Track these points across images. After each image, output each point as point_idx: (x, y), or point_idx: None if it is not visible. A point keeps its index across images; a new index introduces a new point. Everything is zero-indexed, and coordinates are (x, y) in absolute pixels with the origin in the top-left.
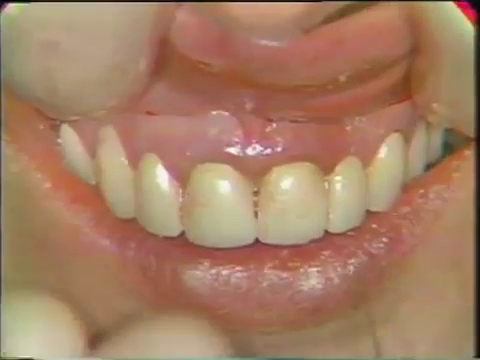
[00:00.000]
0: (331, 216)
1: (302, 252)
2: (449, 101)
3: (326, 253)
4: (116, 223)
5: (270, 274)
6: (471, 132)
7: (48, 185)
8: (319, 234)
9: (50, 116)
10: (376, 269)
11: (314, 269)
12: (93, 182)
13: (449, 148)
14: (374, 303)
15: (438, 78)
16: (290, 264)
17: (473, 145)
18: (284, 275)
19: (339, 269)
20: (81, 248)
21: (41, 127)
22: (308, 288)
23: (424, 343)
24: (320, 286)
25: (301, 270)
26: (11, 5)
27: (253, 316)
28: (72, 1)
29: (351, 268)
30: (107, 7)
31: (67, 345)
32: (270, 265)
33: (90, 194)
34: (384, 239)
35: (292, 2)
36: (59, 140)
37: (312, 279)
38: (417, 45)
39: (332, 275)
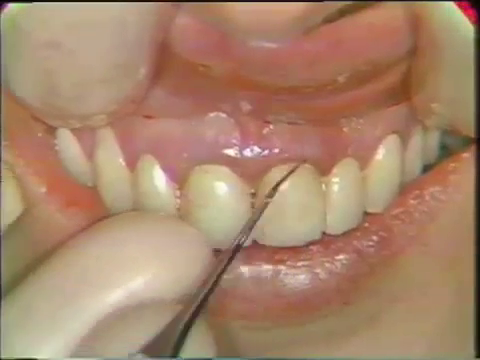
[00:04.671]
0: (328, 218)
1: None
2: (449, 101)
3: (314, 248)
4: None
5: (255, 266)
6: (470, 132)
7: (44, 190)
8: (317, 236)
9: (49, 123)
10: (365, 266)
11: (301, 263)
12: (89, 184)
13: (446, 150)
14: (366, 302)
15: (438, 78)
16: (277, 257)
17: (472, 146)
18: (269, 267)
19: (326, 265)
20: None
21: (38, 132)
22: (294, 282)
23: (420, 343)
24: (307, 281)
25: (288, 263)
26: (11, 5)
27: (237, 308)
28: (73, 0)
29: (338, 264)
30: (108, 6)
31: None
32: (256, 257)
33: (86, 198)
34: (374, 237)
35: (291, 2)
36: (55, 141)
37: (298, 273)
38: (417, 45)
39: (319, 270)
